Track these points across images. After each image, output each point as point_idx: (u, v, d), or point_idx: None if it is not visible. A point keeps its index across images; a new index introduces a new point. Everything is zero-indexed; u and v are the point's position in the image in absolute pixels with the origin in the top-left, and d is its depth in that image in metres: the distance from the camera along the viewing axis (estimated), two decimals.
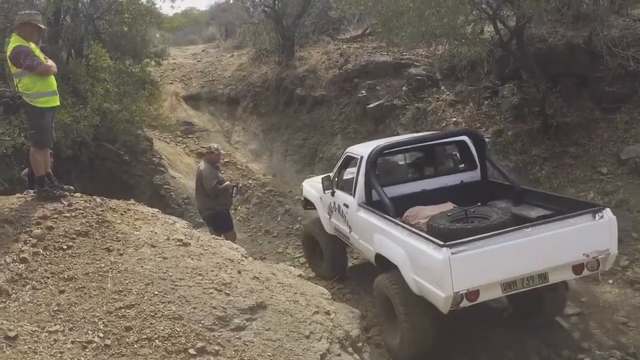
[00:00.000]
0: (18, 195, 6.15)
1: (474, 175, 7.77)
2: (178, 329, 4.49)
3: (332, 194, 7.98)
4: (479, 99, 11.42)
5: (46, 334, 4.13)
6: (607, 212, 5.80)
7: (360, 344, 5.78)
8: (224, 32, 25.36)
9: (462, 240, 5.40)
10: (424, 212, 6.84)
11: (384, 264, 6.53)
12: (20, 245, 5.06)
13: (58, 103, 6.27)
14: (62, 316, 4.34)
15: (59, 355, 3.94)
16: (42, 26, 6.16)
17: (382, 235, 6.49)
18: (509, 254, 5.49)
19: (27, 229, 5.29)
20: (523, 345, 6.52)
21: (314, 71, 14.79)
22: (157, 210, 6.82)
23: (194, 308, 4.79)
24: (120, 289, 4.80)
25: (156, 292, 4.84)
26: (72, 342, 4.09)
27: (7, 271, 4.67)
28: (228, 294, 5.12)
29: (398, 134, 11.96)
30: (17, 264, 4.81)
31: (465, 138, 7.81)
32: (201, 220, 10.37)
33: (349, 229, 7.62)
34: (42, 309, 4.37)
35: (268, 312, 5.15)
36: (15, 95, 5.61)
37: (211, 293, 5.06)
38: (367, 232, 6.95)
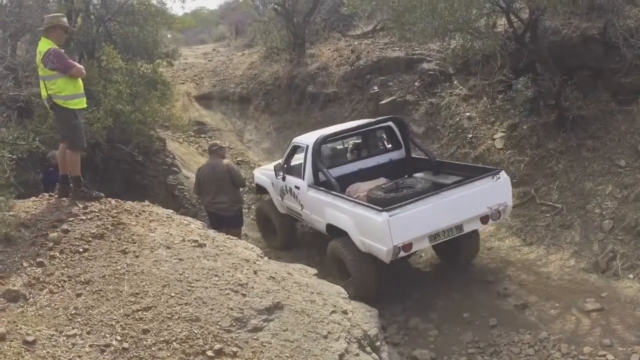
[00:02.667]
0: (34, 198, 6.18)
1: (400, 154, 9.31)
2: (195, 331, 4.47)
3: (283, 179, 9.20)
4: (493, 93, 11.30)
5: (64, 338, 4.12)
6: (503, 174, 7.56)
7: (378, 343, 5.73)
8: (234, 30, 25.35)
9: (396, 205, 6.94)
10: (362, 187, 8.37)
11: (334, 232, 8.01)
12: (36, 248, 5.06)
13: (86, 105, 6.35)
14: (79, 320, 4.33)
15: (77, 359, 3.93)
16: (70, 28, 6.23)
17: (332, 208, 7.91)
18: (432, 212, 7.05)
19: (44, 233, 5.30)
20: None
21: (326, 68, 14.73)
22: (171, 211, 6.82)
23: (211, 309, 4.77)
24: (137, 291, 4.78)
25: (173, 294, 4.83)
26: (90, 346, 4.08)
27: (24, 275, 4.68)
28: (244, 295, 5.10)
29: (412, 130, 11.91)
30: (34, 267, 4.81)
31: (390, 123, 9.31)
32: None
33: (301, 207, 8.88)
34: (59, 313, 4.36)
35: (285, 313, 5.12)
36: (28, 100, 5.63)
37: (228, 294, 5.03)
38: (318, 207, 8.32)
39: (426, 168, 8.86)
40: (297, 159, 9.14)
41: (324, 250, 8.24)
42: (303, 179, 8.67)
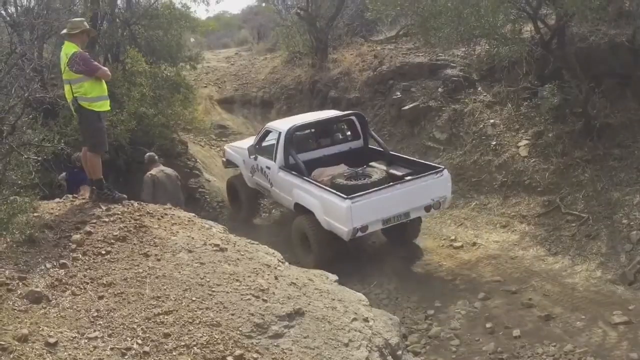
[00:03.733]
0: (57, 200, 6.23)
1: (358, 144, 10.68)
2: (216, 336, 4.44)
3: (255, 158, 10.42)
4: (518, 100, 11.17)
5: (86, 341, 4.12)
6: (445, 172, 8.95)
7: (399, 352, 5.65)
8: (256, 35, 25.48)
9: (358, 194, 8.29)
10: (326, 172, 9.64)
11: (301, 209, 9.27)
12: (60, 250, 5.09)
13: (109, 107, 6.40)
14: (101, 322, 4.33)
15: None
16: (93, 30, 6.29)
17: (301, 190, 9.21)
18: (386, 201, 8.47)
19: (67, 234, 5.32)
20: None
21: (348, 73, 14.71)
22: (193, 214, 6.82)
23: (232, 315, 4.74)
24: (159, 294, 4.78)
25: (194, 298, 4.81)
26: (112, 349, 4.07)
27: (47, 277, 4.69)
28: (265, 300, 5.06)
29: (434, 137, 11.83)
30: (56, 269, 4.83)
31: (353, 117, 10.72)
32: (235, 224, 10.36)
33: (271, 185, 10.16)
34: (81, 315, 4.36)
35: (306, 319, 5.08)
36: (54, 102, 5.68)
37: (249, 299, 5.00)
38: (287, 187, 9.60)
39: (380, 158, 10.10)
40: (269, 142, 10.45)
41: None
42: (274, 161, 9.93)
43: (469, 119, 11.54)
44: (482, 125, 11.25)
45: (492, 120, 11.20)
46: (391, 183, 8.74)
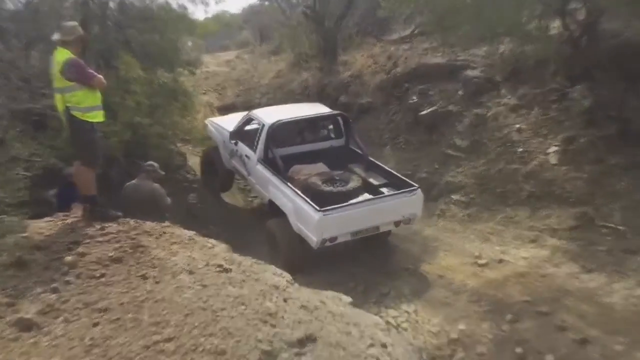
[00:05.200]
0: (47, 218, 6.27)
1: (340, 143, 11.63)
2: None
3: (236, 143, 11.49)
4: (546, 102, 11.17)
5: None
6: (418, 192, 9.69)
7: None
8: (258, 36, 25.65)
9: (331, 207, 8.98)
10: (304, 170, 10.37)
11: (274, 207, 10.03)
12: (51, 273, 5.13)
13: (103, 118, 6.46)
14: (96, 351, 4.35)
15: None
16: (87, 36, 6.38)
17: (276, 189, 9.98)
18: (357, 217, 9.24)
19: (58, 256, 5.37)
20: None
21: (359, 76, 14.78)
22: (193, 232, 6.85)
23: (238, 341, 4.75)
24: (158, 320, 4.80)
25: (196, 324, 4.83)
26: None
27: (37, 302, 4.74)
28: (274, 326, 5.07)
29: (454, 144, 11.84)
30: (48, 294, 4.87)
31: (338, 117, 11.64)
32: (240, 242, 10.38)
33: (248, 174, 11.22)
34: (75, 344, 4.39)
35: (318, 346, 5.08)
36: (44, 113, 5.76)
37: (256, 324, 5.02)
38: (263, 182, 10.47)
39: (359, 161, 11.02)
40: (251, 128, 11.39)
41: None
42: (254, 152, 10.81)
43: (492, 124, 11.54)
44: (507, 131, 11.25)
45: (517, 125, 11.20)
46: (364, 199, 9.61)
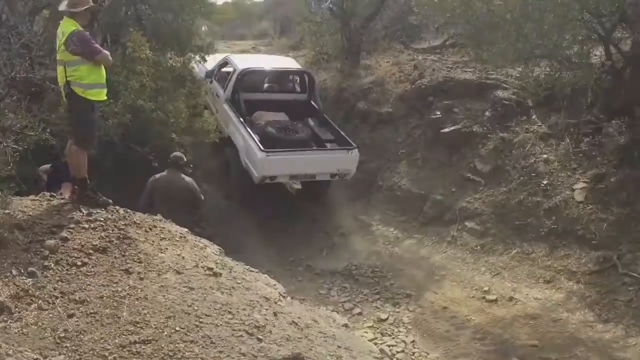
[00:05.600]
0: (32, 197, 6.30)
1: (302, 97, 13.72)
2: None
3: (211, 82, 13.38)
4: (578, 135, 11.14)
5: None
6: (355, 151, 11.91)
7: None
8: (278, 28, 25.75)
9: (274, 150, 11.20)
10: (265, 117, 12.58)
11: (230, 142, 12.22)
12: (29, 256, 5.16)
13: (105, 97, 6.50)
14: (68, 344, 4.37)
15: None
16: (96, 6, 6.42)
17: (234, 128, 12.11)
18: (296, 162, 11.59)
19: (40, 238, 5.40)
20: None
21: (381, 83, 14.79)
22: (186, 230, 6.88)
23: (220, 352, 4.76)
24: (137, 319, 4.81)
25: (177, 328, 4.84)
26: None
27: (12, 285, 4.76)
28: (260, 340, 5.08)
29: (475, 167, 11.83)
30: (24, 277, 4.89)
31: (305, 74, 13.84)
32: (234, 246, 10.42)
33: (216, 111, 13.18)
34: (46, 334, 4.41)
35: None
36: (42, 84, 5.80)
37: (241, 336, 5.03)
38: (226, 120, 12.59)
39: (316, 115, 13.24)
40: (224, 71, 13.47)
41: None
42: (224, 92, 12.80)
43: (518, 151, 11.53)
44: (533, 160, 11.23)
45: (545, 156, 11.18)
46: (304, 148, 11.83)
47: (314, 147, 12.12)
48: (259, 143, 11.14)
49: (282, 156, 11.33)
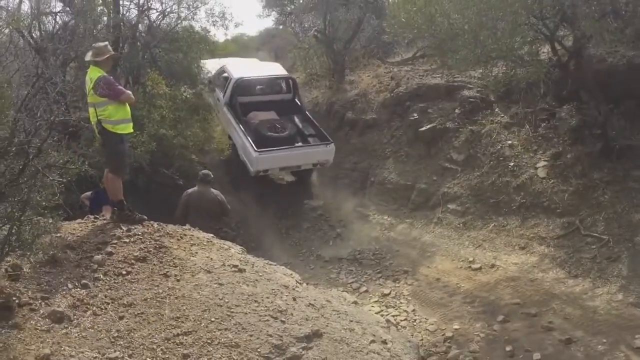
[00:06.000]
0: (79, 221, 6.31)
1: (288, 97, 14.15)
2: (235, 357, 4.48)
3: (213, 90, 13.77)
4: (536, 121, 11.13)
5: None
6: (331, 145, 12.51)
7: None
8: (274, 57, 25.71)
9: (265, 149, 11.68)
10: (259, 116, 13.02)
11: (231, 139, 12.84)
12: (81, 270, 5.16)
13: (132, 130, 6.52)
14: (121, 342, 4.38)
15: None
16: (116, 54, 6.43)
17: (233, 128, 12.60)
18: (284, 157, 12.17)
19: (88, 255, 5.40)
20: None
21: (365, 95, 14.77)
22: (211, 235, 6.87)
23: (250, 336, 4.77)
24: (178, 315, 4.82)
25: (213, 319, 4.85)
26: None
27: (69, 297, 4.76)
28: (284, 322, 5.09)
29: (451, 158, 11.81)
30: (78, 289, 4.90)
31: (290, 79, 14.26)
32: (253, 244, 10.46)
33: (218, 111, 13.44)
34: (102, 335, 4.42)
35: (324, 341, 5.09)
36: (78, 124, 5.80)
37: (267, 320, 5.03)
38: (226, 121, 13.08)
39: (299, 113, 13.70)
40: (223, 77, 13.73)
41: None
42: (223, 97, 13.16)
43: (486, 140, 11.52)
44: (499, 147, 11.22)
45: (509, 142, 11.17)
46: (289, 146, 12.27)
47: (299, 143, 12.69)
48: (253, 143, 11.61)
49: (273, 154, 11.87)
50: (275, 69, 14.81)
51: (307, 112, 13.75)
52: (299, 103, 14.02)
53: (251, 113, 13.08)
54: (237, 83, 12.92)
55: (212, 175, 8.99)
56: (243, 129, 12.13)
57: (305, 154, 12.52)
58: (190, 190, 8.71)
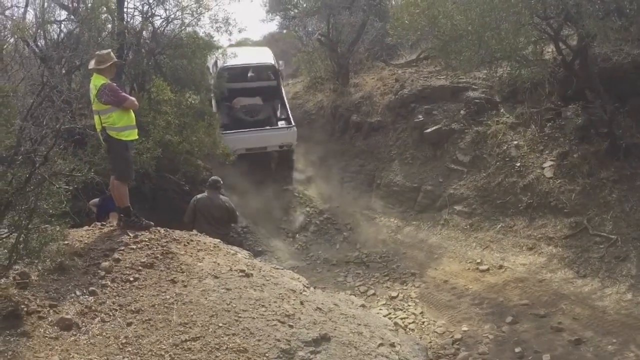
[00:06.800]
0: (86, 228, 6.33)
1: (272, 83, 15.17)
2: None
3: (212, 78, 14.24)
4: (541, 121, 11.10)
5: None
6: (293, 128, 13.59)
7: None
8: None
9: (230, 131, 12.93)
10: (242, 101, 14.22)
11: None
12: (89, 277, 5.17)
13: (137, 136, 6.54)
14: (130, 349, 4.38)
15: None
16: (120, 61, 6.44)
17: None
18: (248, 139, 13.18)
19: (96, 262, 5.41)
20: None
21: (370, 97, 14.79)
22: (218, 240, 6.87)
23: (258, 340, 4.76)
24: (186, 321, 4.82)
25: (220, 324, 4.84)
26: None
27: (77, 304, 4.77)
28: (292, 326, 5.07)
29: (457, 159, 11.80)
30: (86, 296, 4.91)
31: (273, 66, 15.23)
32: (260, 249, 10.47)
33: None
34: (110, 342, 4.42)
35: (332, 345, 5.07)
36: (84, 132, 5.83)
37: (275, 325, 5.02)
38: (214, 106, 13.61)
39: (279, 97, 14.81)
40: (213, 66, 14.46)
41: None
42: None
43: (492, 140, 11.50)
44: (505, 147, 11.20)
45: (515, 142, 11.15)
46: (251, 129, 13.39)
47: (266, 127, 13.70)
48: (223, 127, 12.73)
49: (237, 135, 12.92)
50: (263, 56, 15.82)
51: (284, 98, 14.81)
52: (282, 90, 15.09)
53: (236, 99, 14.26)
54: (220, 70, 14.00)
55: (221, 182, 9.00)
56: (219, 113, 13.16)
57: (268, 136, 13.61)
58: (199, 196, 8.73)
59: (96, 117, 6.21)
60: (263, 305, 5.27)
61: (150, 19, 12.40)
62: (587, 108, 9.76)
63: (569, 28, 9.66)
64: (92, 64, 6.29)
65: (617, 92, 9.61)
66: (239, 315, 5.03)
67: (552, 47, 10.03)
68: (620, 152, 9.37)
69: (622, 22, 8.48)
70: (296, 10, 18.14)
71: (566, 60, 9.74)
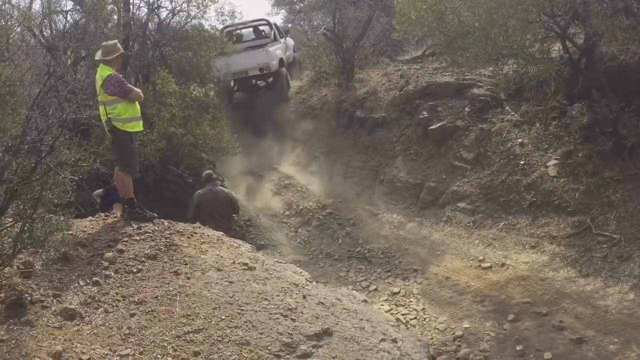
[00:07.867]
0: (90, 218, 6.34)
1: (269, 35, 17.18)
2: (245, 355, 4.48)
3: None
4: (546, 119, 11.05)
5: (117, 358, 4.20)
6: (267, 47, 15.48)
7: None
8: None
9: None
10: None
11: None
12: (92, 268, 5.19)
13: (142, 128, 6.53)
14: (132, 340, 4.39)
15: None
16: (126, 52, 6.45)
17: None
18: (232, 61, 14.22)
19: (100, 252, 5.43)
20: None
21: (374, 93, 14.74)
22: (221, 233, 6.88)
23: (261, 333, 4.77)
24: (188, 312, 4.83)
25: (223, 317, 4.85)
26: None
27: (80, 294, 4.79)
28: (294, 320, 5.08)
29: (461, 156, 11.77)
30: (90, 286, 4.93)
31: (273, 22, 17.74)
32: (262, 242, 10.47)
33: None
34: (113, 332, 4.44)
35: (334, 339, 5.08)
36: (90, 122, 5.83)
37: (277, 318, 5.03)
38: None
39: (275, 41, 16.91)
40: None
41: None
42: None
43: (496, 138, 11.46)
44: (510, 145, 11.16)
45: (520, 140, 11.11)
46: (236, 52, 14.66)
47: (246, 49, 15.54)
48: None
49: (223, 59, 13.82)
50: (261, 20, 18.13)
51: (280, 39, 17.19)
52: (278, 36, 17.26)
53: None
54: (223, 31, 15.67)
55: (214, 173, 9.03)
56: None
57: (245, 58, 15.01)
58: (201, 191, 8.73)
59: (101, 108, 6.21)
60: (266, 299, 5.28)
61: (156, 10, 12.41)
62: (593, 107, 9.72)
63: (576, 26, 9.62)
64: (98, 55, 6.29)
65: (623, 92, 9.57)
66: (242, 308, 5.04)
67: (559, 45, 9.98)
68: (625, 151, 9.33)
69: (629, 21, 8.45)
70: (302, 4, 18.13)
71: (573, 59, 9.70)
